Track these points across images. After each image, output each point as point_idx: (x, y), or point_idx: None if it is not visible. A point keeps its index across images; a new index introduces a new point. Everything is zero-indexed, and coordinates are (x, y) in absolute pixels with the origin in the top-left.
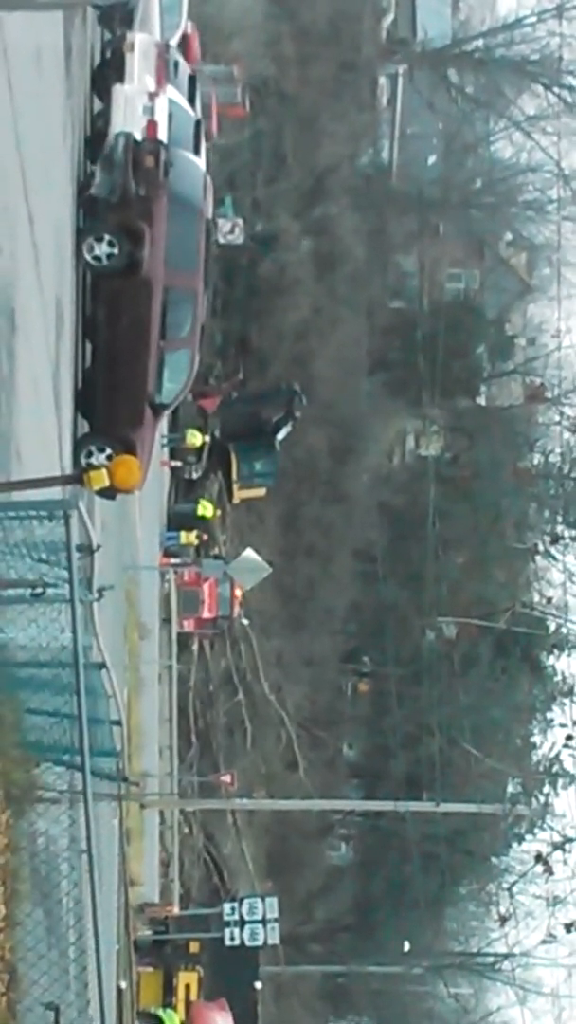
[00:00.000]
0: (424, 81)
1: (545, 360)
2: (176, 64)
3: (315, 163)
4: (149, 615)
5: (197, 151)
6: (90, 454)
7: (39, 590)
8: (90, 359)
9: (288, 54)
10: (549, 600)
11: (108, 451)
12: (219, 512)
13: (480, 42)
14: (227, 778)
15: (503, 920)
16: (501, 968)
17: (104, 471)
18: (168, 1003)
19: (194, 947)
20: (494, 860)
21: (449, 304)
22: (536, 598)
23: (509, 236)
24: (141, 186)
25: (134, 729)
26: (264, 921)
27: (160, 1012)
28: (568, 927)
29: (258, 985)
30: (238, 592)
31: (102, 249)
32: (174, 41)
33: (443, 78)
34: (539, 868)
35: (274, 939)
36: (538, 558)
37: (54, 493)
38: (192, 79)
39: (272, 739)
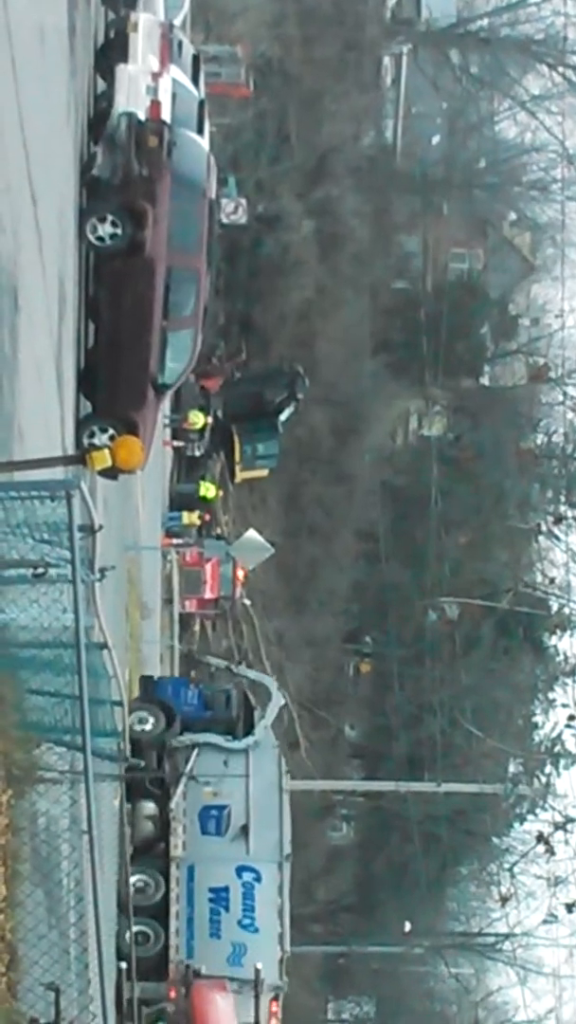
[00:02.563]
0: (428, 61)
1: (548, 340)
2: (180, 44)
3: (319, 143)
4: (151, 595)
5: (200, 131)
6: (92, 434)
7: (41, 570)
8: (93, 339)
9: (292, 34)
10: (552, 580)
11: (110, 431)
12: (221, 492)
13: (485, 22)
14: None
15: (504, 900)
16: (502, 948)
17: (106, 451)
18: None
19: None
20: (495, 840)
21: (452, 284)
22: (538, 578)
23: (513, 216)
24: (144, 166)
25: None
26: None
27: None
28: (569, 907)
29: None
30: (240, 572)
31: (105, 229)
32: (177, 21)
33: (447, 58)
34: (540, 848)
35: None
36: (541, 538)
37: (56, 473)
38: (196, 59)
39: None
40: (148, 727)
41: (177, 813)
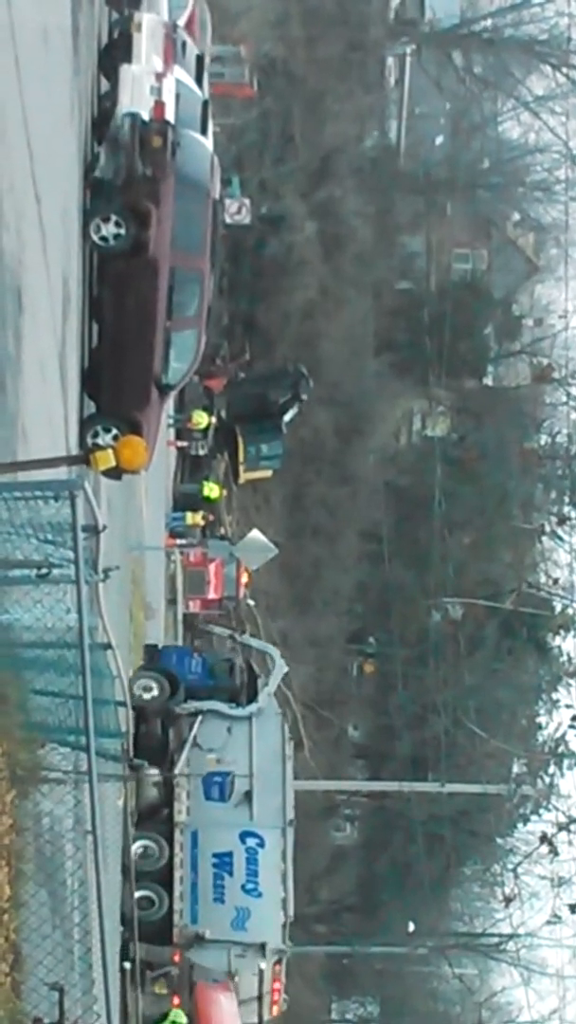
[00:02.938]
0: (432, 61)
1: (552, 341)
2: (183, 44)
3: (322, 143)
4: (155, 596)
5: (204, 131)
6: (96, 434)
7: (44, 570)
8: (97, 339)
9: (296, 34)
10: (555, 581)
11: (114, 431)
12: (225, 492)
13: (488, 22)
14: None
15: (507, 901)
16: (505, 949)
17: (110, 451)
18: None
19: None
20: (499, 841)
21: (456, 285)
22: (542, 579)
23: (517, 216)
24: (148, 166)
25: None
26: None
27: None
28: (573, 908)
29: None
30: (244, 573)
31: (109, 230)
32: (181, 21)
33: (451, 58)
34: (544, 849)
35: None
36: (544, 539)
37: (60, 473)
38: (199, 59)
39: None
40: (153, 695)
41: (181, 779)
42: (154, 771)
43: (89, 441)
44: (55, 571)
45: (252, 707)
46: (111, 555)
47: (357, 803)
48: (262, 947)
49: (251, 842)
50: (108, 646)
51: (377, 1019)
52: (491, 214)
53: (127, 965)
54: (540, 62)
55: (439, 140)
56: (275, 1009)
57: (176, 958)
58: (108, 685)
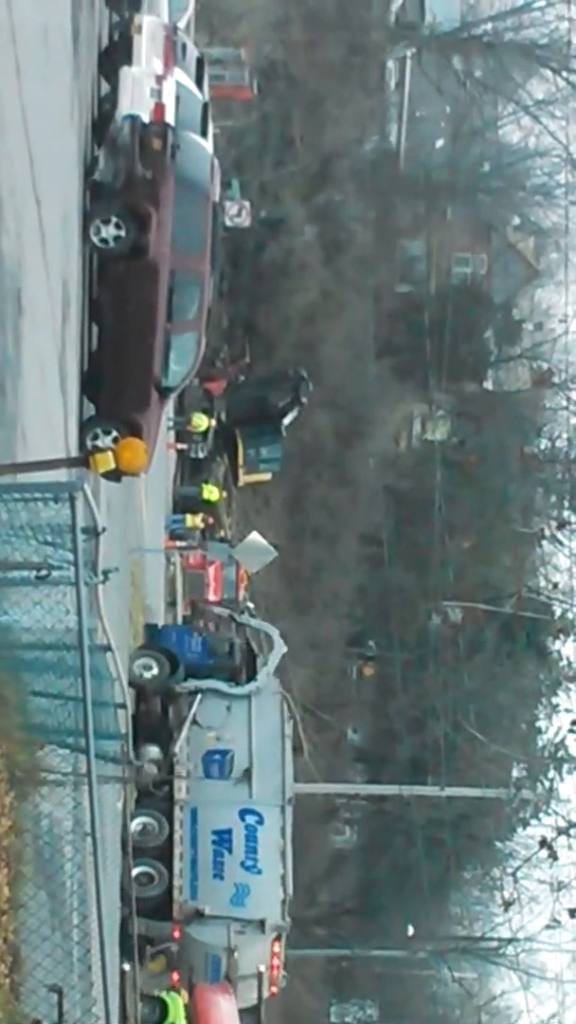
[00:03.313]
0: (432, 65)
1: (552, 345)
2: (184, 46)
3: (323, 147)
4: (154, 598)
5: (204, 134)
6: (96, 437)
7: (44, 572)
8: (96, 342)
9: (296, 37)
10: (555, 585)
11: (114, 434)
12: (225, 495)
13: (488, 26)
14: None
15: (507, 905)
16: (505, 953)
17: (110, 454)
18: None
19: None
20: (498, 845)
21: (456, 288)
22: (542, 583)
23: (517, 221)
24: (148, 169)
25: None
26: None
27: (164, 995)
28: (572, 912)
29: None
30: (244, 575)
31: (109, 232)
32: (182, 24)
33: (451, 62)
34: (543, 853)
35: None
36: (544, 543)
37: (60, 475)
38: (200, 61)
39: None
40: (152, 674)
41: (181, 757)
42: (154, 749)
43: (89, 443)
44: (54, 573)
45: (251, 686)
46: (110, 557)
47: (357, 807)
48: (261, 923)
49: (250, 819)
50: (107, 648)
51: (376, 1022)
52: (491, 218)
53: (126, 967)
54: (540, 66)
55: (439, 144)
56: (274, 986)
57: (176, 934)
58: (107, 687)
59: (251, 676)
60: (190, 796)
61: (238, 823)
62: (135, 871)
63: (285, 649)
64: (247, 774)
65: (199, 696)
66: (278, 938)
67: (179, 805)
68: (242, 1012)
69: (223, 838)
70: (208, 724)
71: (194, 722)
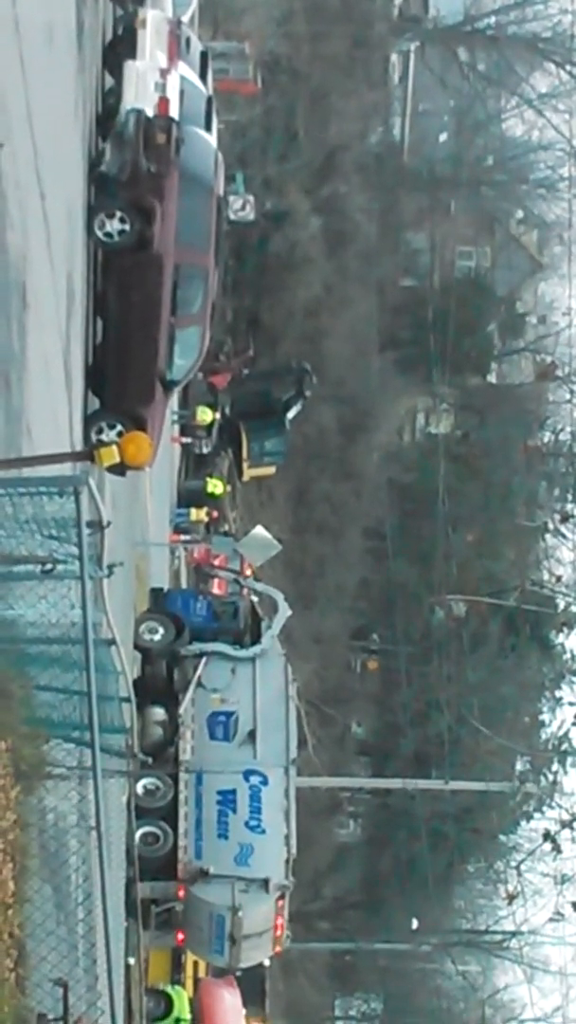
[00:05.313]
0: (436, 58)
1: (556, 338)
2: (188, 40)
3: (326, 140)
4: None
5: (208, 128)
6: (100, 430)
7: (49, 566)
8: (101, 336)
9: (300, 31)
10: (559, 578)
11: (118, 427)
12: (229, 489)
13: (492, 19)
14: None
15: (511, 898)
16: (509, 946)
17: (114, 447)
18: (176, 980)
19: None
20: (502, 838)
21: (460, 282)
22: (545, 576)
23: (520, 214)
24: (152, 163)
25: None
26: None
27: (169, 989)
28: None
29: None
30: (248, 569)
31: (113, 226)
32: (186, 18)
33: (455, 55)
34: (547, 846)
35: None
36: (548, 536)
37: (64, 469)
38: (204, 55)
39: None
40: (158, 637)
41: (186, 719)
42: (159, 711)
43: (93, 437)
44: (59, 567)
45: (256, 648)
46: (115, 551)
47: (361, 800)
48: (265, 882)
49: (254, 780)
50: (112, 642)
51: (380, 1016)
52: (495, 211)
53: (131, 960)
54: (544, 59)
55: (443, 137)
56: (278, 945)
57: (180, 893)
58: (112, 681)
59: (255, 639)
60: (195, 757)
61: (242, 784)
62: (140, 831)
63: (289, 612)
64: (251, 736)
65: (204, 659)
66: (282, 897)
67: (184, 766)
68: (246, 971)
69: (227, 798)
70: (213, 686)
71: (199, 684)
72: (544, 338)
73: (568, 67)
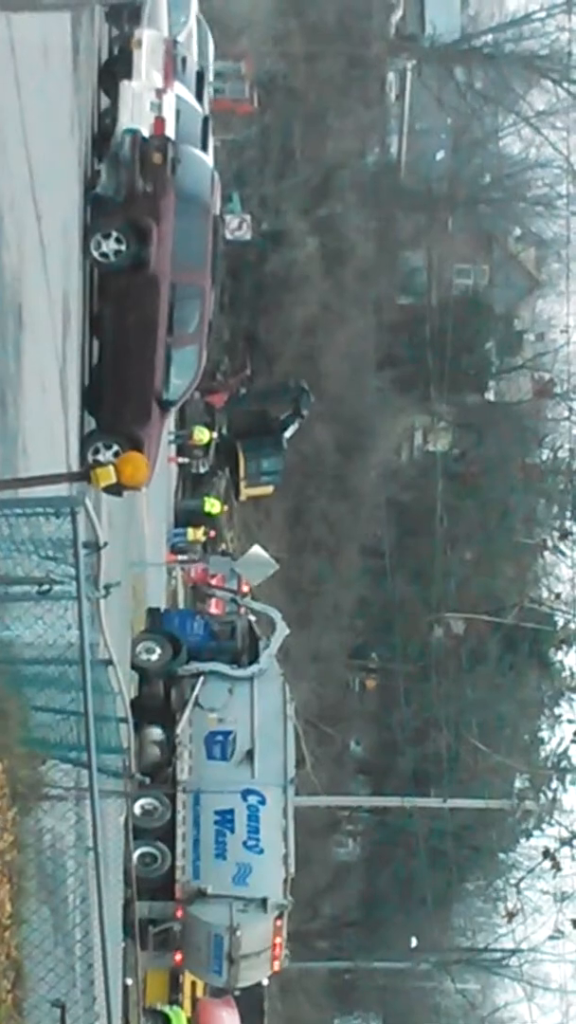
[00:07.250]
0: (432, 77)
1: (554, 356)
2: (184, 60)
3: (323, 159)
4: None
5: (205, 147)
6: (97, 451)
7: (45, 587)
8: (97, 356)
9: (296, 50)
10: (557, 596)
11: (115, 448)
12: (226, 508)
13: (489, 37)
14: None
15: (510, 916)
16: (508, 964)
17: (111, 468)
18: (175, 1000)
19: None
20: (501, 856)
21: (457, 300)
22: (544, 594)
23: (518, 232)
24: (148, 183)
25: None
26: None
27: (167, 1009)
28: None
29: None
30: (245, 588)
31: (109, 246)
32: (182, 38)
33: (451, 74)
34: (547, 864)
35: None
36: (546, 554)
37: (61, 490)
38: (200, 75)
39: None
40: (155, 657)
41: (183, 739)
42: (157, 731)
43: (90, 458)
44: (56, 587)
45: (253, 668)
46: (112, 571)
47: (359, 819)
48: (264, 902)
49: (252, 799)
50: (109, 662)
51: None
52: (492, 229)
53: (129, 981)
54: (541, 77)
55: (440, 155)
56: (277, 964)
57: (179, 913)
58: (109, 701)
59: (253, 659)
60: (192, 777)
61: (240, 803)
62: (138, 852)
63: (287, 631)
64: (249, 755)
65: (201, 678)
66: (280, 916)
67: (182, 786)
68: (244, 991)
69: (225, 818)
70: (210, 706)
71: (196, 704)
72: (542, 355)
73: (565, 84)
